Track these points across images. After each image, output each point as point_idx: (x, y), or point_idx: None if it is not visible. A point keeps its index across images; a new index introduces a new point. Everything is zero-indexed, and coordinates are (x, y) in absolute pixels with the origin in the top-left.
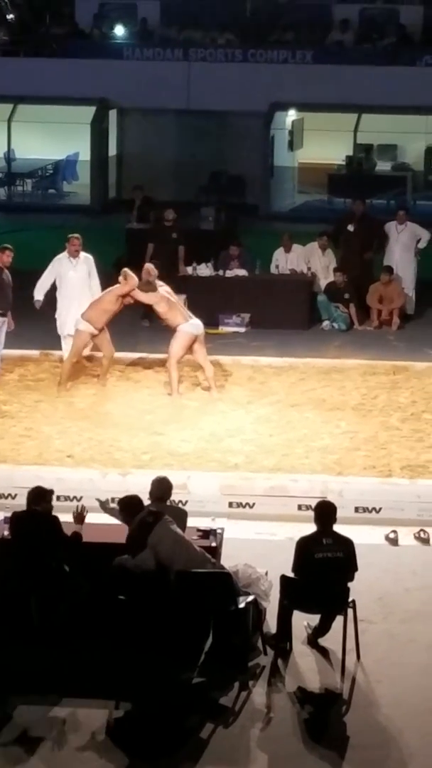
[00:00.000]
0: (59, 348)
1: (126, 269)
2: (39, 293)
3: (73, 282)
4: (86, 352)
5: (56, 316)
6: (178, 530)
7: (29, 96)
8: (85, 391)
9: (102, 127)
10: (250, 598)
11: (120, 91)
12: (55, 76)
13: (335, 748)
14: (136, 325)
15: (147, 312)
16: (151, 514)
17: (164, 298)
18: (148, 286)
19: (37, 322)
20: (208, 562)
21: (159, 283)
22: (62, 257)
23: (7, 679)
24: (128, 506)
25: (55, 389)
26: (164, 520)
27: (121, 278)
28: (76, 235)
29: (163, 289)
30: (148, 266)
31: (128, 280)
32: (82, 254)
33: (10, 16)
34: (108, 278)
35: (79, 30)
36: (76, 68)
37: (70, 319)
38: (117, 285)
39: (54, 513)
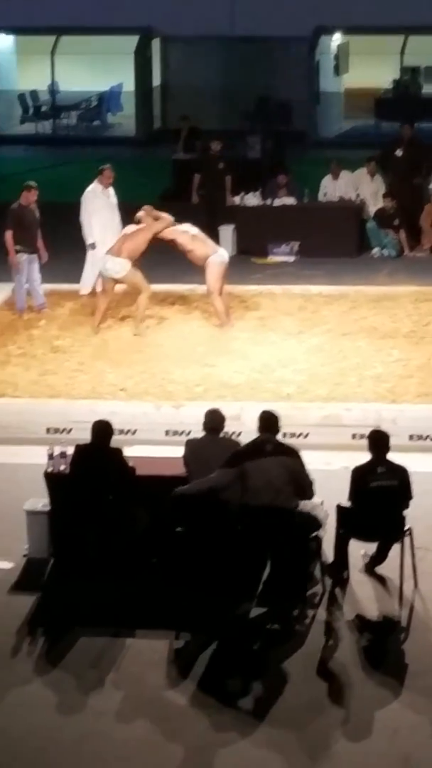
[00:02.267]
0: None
1: (149, 207)
2: (91, 237)
3: (109, 214)
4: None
5: (91, 248)
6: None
7: (71, 27)
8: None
9: (146, 56)
10: (314, 534)
11: (163, 20)
12: (97, 6)
13: (395, 674)
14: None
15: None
16: (269, 442)
17: (186, 232)
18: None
19: (76, 257)
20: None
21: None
22: (95, 189)
23: (68, 611)
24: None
25: (113, 319)
26: (282, 458)
27: (144, 216)
28: (108, 166)
29: (186, 226)
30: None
31: (163, 217)
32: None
33: None
34: (158, 208)
35: None
36: None
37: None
38: (147, 223)
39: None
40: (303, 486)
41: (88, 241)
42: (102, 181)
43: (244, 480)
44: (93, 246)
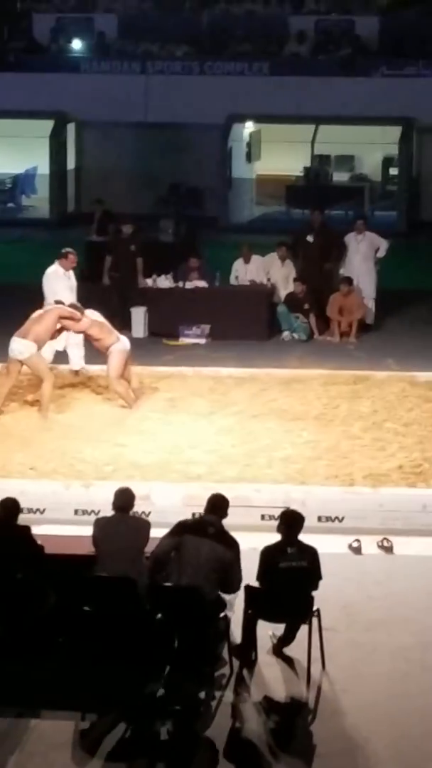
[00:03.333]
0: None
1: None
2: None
3: (69, 296)
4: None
5: None
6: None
7: None
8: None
9: (60, 140)
10: (222, 614)
11: (78, 105)
12: (13, 89)
13: (302, 757)
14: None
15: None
16: (213, 526)
17: (95, 322)
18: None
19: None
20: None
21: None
22: (57, 271)
23: None
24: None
25: (18, 402)
26: (218, 545)
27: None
28: (72, 250)
29: (90, 312)
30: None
31: (77, 311)
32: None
33: None
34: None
35: (36, 44)
36: (34, 82)
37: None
38: (57, 306)
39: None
40: (230, 580)
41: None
42: (64, 264)
43: (176, 551)
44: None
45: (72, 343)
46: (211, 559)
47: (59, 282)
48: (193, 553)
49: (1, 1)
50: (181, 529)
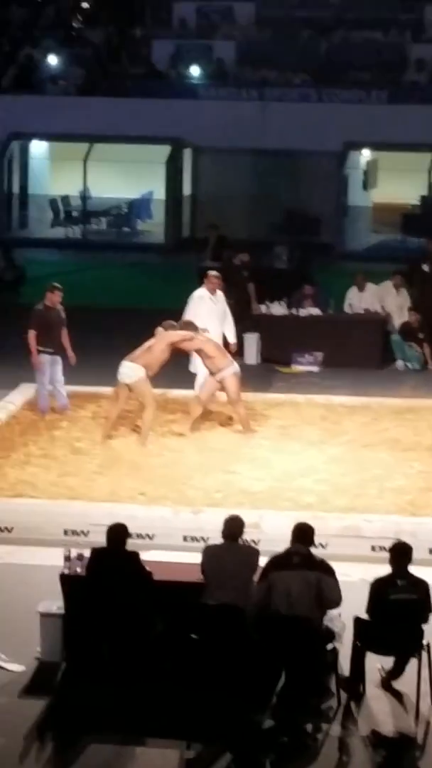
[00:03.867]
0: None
1: (168, 322)
2: None
3: (215, 318)
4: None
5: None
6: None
7: (105, 135)
8: (158, 428)
9: (177, 166)
10: (330, 646)
11: (195, 131)
12: (131, 115)
13: None
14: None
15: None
16: (299, 555)
17: (210, 341)
18: (191, 330)
19: (104, 359)
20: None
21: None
22: (203, 295)
23: (79, 716)
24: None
25: (127, 427)
26: (306, 572)
27: (160, 330)
28: (214, 272)
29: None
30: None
31: (185, 329)
32: (219, 292)
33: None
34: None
35: (156, 70)
36: (152, 108)
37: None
38: (168, 332)
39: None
40: (326, 600)
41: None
42: (208, 287)
43: (268, 590)
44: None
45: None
46: (303, 589)
47: (203, 305)
48: (283, 588)
49: (122, 28)
50: (268, 568)
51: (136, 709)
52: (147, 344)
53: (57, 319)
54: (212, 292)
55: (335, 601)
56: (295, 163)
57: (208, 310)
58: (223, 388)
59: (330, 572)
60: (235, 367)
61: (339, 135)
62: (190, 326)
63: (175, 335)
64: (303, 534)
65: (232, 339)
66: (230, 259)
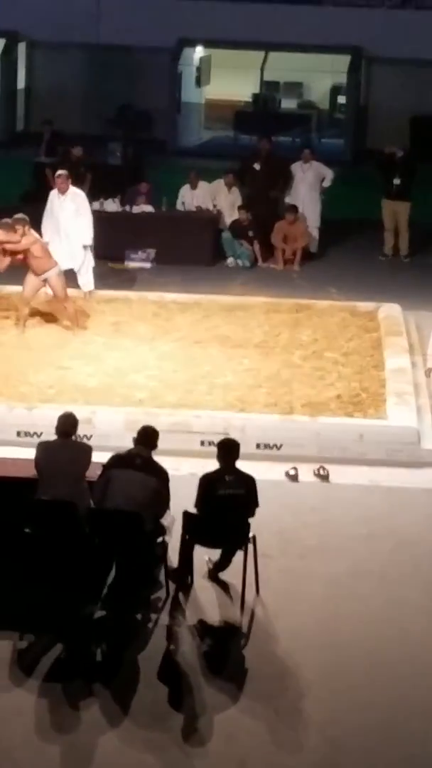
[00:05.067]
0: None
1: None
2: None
3: (63, 217)
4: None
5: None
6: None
7: None
8: None
9: (11, 59)
10: (159, 539)
11: (29, 24)
12: None
13: (234, 680)
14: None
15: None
16: (140, 457)
17: (38, 241)
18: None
19: None
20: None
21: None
22: (53, 194)
23: None
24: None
25: None
26: (146, 476)
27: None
28: (61, 172)
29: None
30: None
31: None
32: (71, 190)
33: None
34: (17, 210)
35: None
36: None
37: (64, 254)
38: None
39: None
40: (159, 507)
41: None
42: (56, 187)
43: (106, 486)
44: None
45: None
46: (142, 492)
47: (50, 206)
48: (123, 488)
49: None
50: (109, 465)
51: None
52: None
53: None
54: (60, 192)
55: (164, 512)
56: (130, 59)
57: (54, 211)
58: (49, 287)
59: (167, 483)
60: (59, 267)
61: (173, 31)
62: (19, 222)
63: (2, 235)
64: (147, 437)
65: (86, 240)
66: (65, 154)
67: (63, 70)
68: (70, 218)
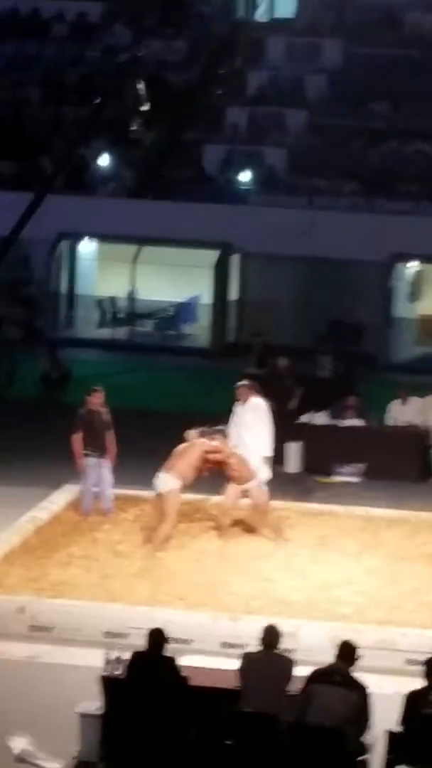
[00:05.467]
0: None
1: (204, 428)
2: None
3: (241, 429)
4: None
5: None
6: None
7: (154, 238)
8: (199, 535)
9: (224, 270)
10: (361, 758)
11: (243, 236)
12: (180, 219)
13: None
14: None
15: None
16: (340, 673)
17: (236, 455)
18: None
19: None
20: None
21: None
22: (237, 404)
23: None
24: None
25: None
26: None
27: (192, 435)
28: (243, 382)
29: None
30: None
31: (216, 439)
32: (252, 401)
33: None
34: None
35: (206, 175)
36: (201, 212)
37: None
38: (201, 441)
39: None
40: (361, 724)
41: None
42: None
43: (307, 701)
44: None
45: None
46: (342, 709)
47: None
48: (323, 704)
49: (173, 132)
50: (310, 680)
51: None
52: (178, 450)
53: (101, 422)
54: (241, 401)
55: (365, 729)
56: (342, 272)
57: (235, 420)
58: (250, 498)
59: (367, 699)
60: (258, 480)
61: (386, 246)
62: (219, 433)
63: (209, 444)
64: (347, 652)
65: (264, 451)
66: (274, 365)
67: (275, 282)
68: (247, 429)
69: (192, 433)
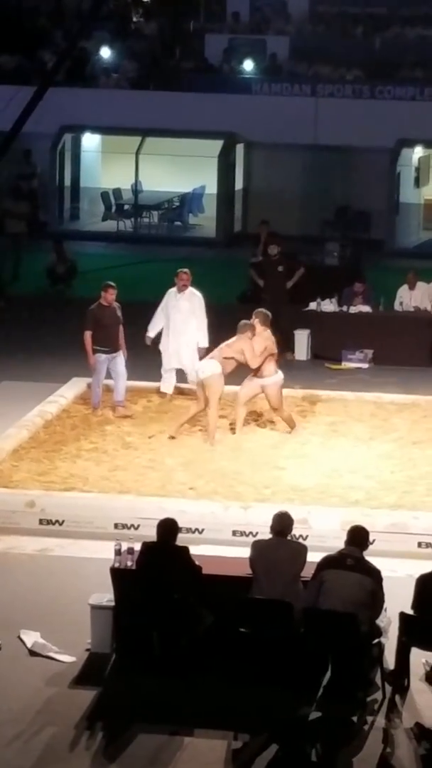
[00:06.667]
0: (180, 381)
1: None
2: (151, 331)
3: (177, 317)
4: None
5: (161, 349)
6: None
7: (157, 129)
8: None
9: (229, 161)
10: (376, 641)
11: (247, 126)
12: (184, 109)
13: None
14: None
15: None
16: (352, 557)
17: (269, 357)
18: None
19: (154, 355)
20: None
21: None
22: (171, 291)
23: (128, 707)
24: None
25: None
26: (360, 576)
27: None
28: (185, 269)
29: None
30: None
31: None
32: (189, 290)
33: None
34: (233, 310)
35: (209, 64)
36: (205, 102)
37: (172, 353)
38: (246, 335)
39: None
40: (375, 608)
41: (147, 334)
42: (177, 285)
43: (320, 586)
44: (148, 339)
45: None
46: (356, 592)
47: (168, 303)
48: (337, 589)
49: (174, 22)
50: (321, 566)
51: (184, 701)
52: (227, 342)
53: (112, 318)
54: (179, 289)
55: (379, 613)
56: (347, 160)
57: (172, 308)
58: (264, 393)
59: (380, 582)
60: (279, 375)
61: (391, 132)
62: (260, 316)
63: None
64: (358, 536)
65: (201, 342)
66: (266, 254)
67: (280, 171)
68: (183, 318)
69: (253, 322)
